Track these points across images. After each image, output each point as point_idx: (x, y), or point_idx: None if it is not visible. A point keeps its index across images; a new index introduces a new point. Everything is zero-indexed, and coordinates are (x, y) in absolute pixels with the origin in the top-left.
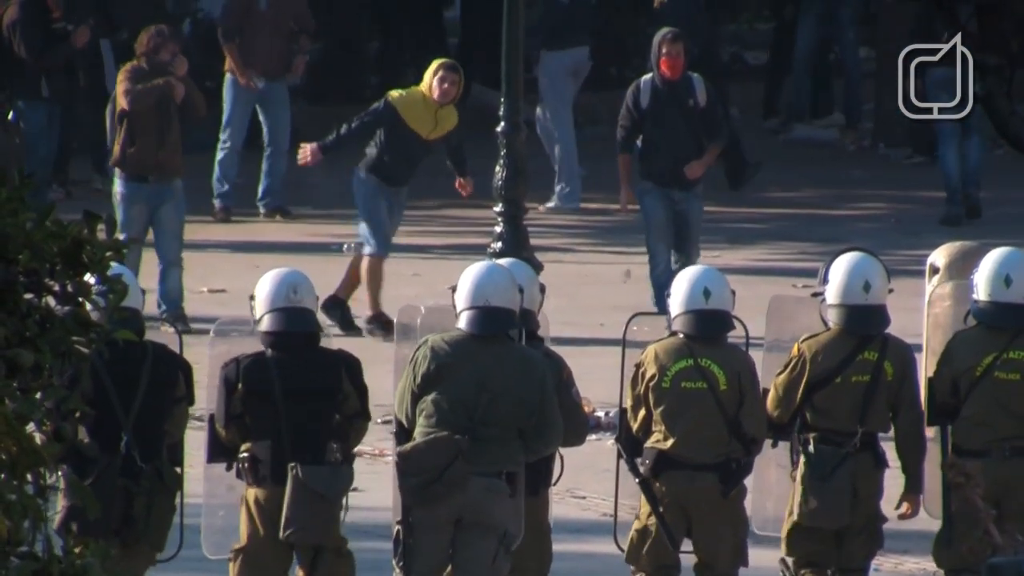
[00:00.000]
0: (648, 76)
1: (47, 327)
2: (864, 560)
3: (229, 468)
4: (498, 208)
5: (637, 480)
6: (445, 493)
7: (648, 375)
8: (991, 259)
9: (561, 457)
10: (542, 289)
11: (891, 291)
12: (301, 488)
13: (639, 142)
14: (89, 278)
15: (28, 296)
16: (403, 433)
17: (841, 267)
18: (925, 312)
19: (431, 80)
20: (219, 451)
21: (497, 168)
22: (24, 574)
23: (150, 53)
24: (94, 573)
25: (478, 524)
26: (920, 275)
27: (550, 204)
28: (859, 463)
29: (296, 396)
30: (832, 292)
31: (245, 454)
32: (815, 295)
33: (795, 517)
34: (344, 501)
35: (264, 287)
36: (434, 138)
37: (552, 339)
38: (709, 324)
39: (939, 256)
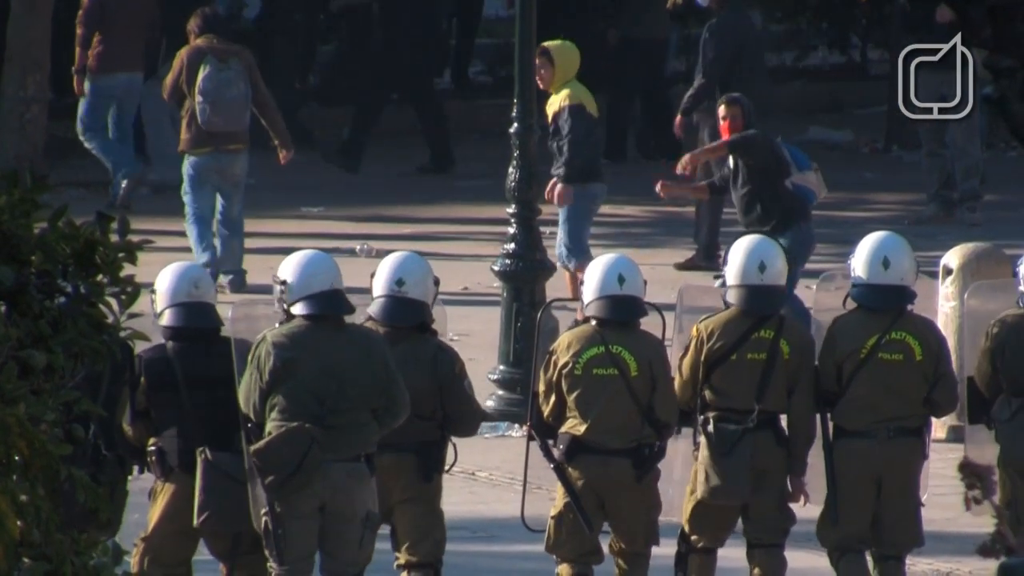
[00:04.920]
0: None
1: (60, 328)
2: (779, 536)
3: (141, 471)
4: (511, 209)
5: (552, 466)
6: (305, 482)
7: (561, 362)
8: (868, 243)
9: (454, 445)
10: (436, 282)
11: (791, 277)
12: (211, 472)
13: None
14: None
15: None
16: (254, 428)
17: (738, 249)
18: (938, 312)
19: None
20: (128, 453)
21: (510, 169)
22: (37, 575)
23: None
24: (107, 574)
25: (342, 511)
26: (934, 277)
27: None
28: (759, 440)
29: (199, 385)
30: (730, 273)
31: (152, 448)
32: (716, 277)
33: (698, 495)
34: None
35: (165, 281)
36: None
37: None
38: (622, 309)
39: (952, 257)
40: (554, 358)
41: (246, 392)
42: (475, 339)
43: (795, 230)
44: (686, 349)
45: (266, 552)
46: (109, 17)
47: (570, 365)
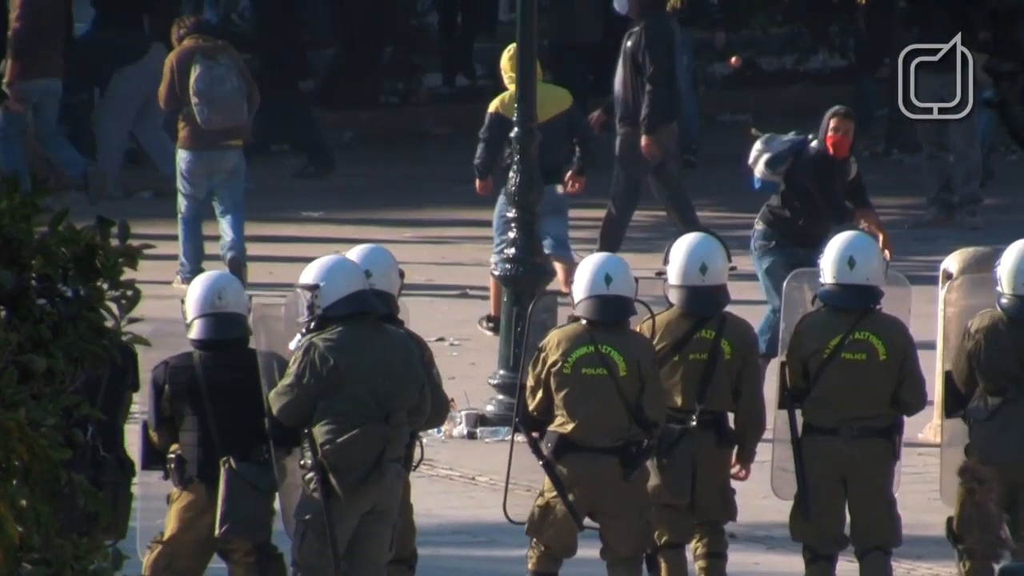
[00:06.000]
0: (813, 143)
1: (60, 333)
2: (720, 538)
3: (166, 476)
4: (511, 214)
5: (541, 463)
6: (376, 483)
7: (550, 361)
8: (835, 243)
9: (420, 441)
10: (401, 274)
11: (733, 269)
12: (235, 481)
13: (778, 192)
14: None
15: (41, 302)
16: (285, 434)
17: (680, 249)
18: (940, 316)
19: (508, 66)
20: (153, 457)
21: (510, 173)
22: None
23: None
24: None
25: (384, 512)
26: (934, 281)
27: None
28: (700, 441)
29: (222, 395)
30: (672, 273)
31: (172, 455)
32: (659, 274)
33: None
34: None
35: (192, 292)
36: (545, 120)
37: None
38: (610, 309)
39: (952, 261)
40: (543, 355)
41: (289, 398)
42: (474, 343)
43: None
44: None
45: (298, 556)
46: (38, 26)
47: (559, 364)
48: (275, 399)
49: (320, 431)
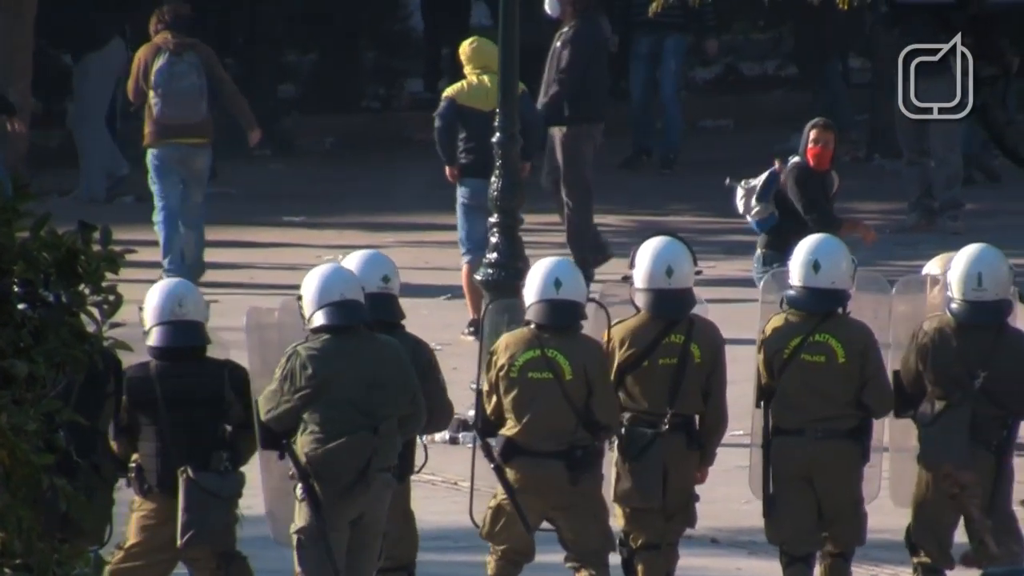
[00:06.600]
0: (795, 159)
1: (42, 338)
2: (675, 536)
3: (129, 484)
4: (493, 218)
5: (492, 466)
6: (361, 493)
7: (499, 364)
8: (802, 247)
9: (424, 445)
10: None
11: (699, 273)
12: (194, 490)
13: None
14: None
15: (22, 306)
16: (273, 437)
17: (646, 252)
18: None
19: (465, 58)
20: (116, 465)
21: (492, 178)
22: None
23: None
24: None
25: (371, 523)
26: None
27: (75, 193)
28: (671, 444)
29: (179, 404)
30: (638, 277)
31: (132, 464)
32: (625, 279)
33: (612, 497)
34: (238, 510)
35: (151, 299)
36: (491, 109)
37: None
38: (559, 314)
39: (934, 266)
40: (494, 359)
41: (273, 403)
42: (456, 348)
43: None
44: None
45: (300, 569)
46: None
47: (506, 367)
48: (262, 403)
49: (305, 440)
